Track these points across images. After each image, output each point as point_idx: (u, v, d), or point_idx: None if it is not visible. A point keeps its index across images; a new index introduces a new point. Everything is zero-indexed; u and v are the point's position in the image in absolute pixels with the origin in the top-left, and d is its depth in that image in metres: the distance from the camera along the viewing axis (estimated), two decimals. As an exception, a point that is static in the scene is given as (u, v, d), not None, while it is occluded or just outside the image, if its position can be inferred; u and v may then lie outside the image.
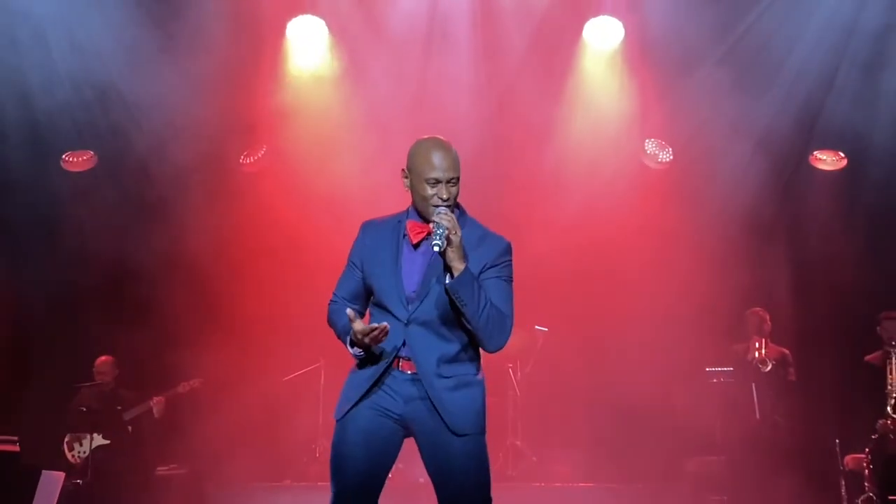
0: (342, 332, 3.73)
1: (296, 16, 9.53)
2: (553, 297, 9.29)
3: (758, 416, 8.43)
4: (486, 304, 3.58)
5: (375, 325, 3.52)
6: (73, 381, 8.87)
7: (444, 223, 3.52)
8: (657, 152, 10.07)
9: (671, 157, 10.03)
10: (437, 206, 3.62)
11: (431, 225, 3.57)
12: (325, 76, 9.76)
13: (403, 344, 3.64)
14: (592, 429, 9.15)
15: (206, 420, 9.23)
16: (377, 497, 3.70)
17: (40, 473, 6.79)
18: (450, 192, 3.66)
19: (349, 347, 3.68)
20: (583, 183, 9.61)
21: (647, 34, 9.42)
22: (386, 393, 3.66)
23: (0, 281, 9.85)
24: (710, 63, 9.30)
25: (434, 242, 3.51)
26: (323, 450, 9.05)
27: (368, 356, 3.69)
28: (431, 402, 3.60)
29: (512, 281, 3.74)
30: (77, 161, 10.01)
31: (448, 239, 3.51)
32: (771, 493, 8.43)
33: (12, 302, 9.85)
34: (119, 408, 8.63)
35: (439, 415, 3.59)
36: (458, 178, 3.71)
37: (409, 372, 3.65)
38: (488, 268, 3.68)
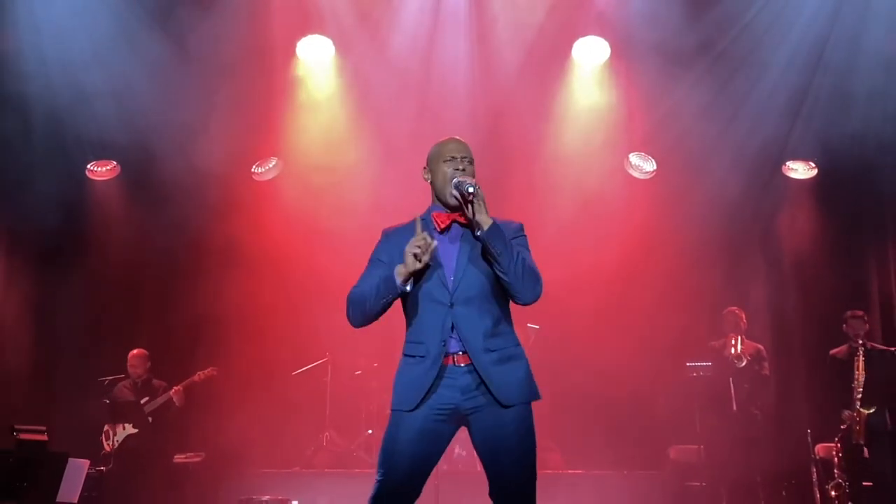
0: (381, 283, 3.66)
1: (305, 36, 9.56)
2: (544, 297, 9.29)
3: (734, 407, 8.42)
4: (518, 254, 3.65)
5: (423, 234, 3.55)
6: (97, 375, 8.86)
7: (468, 180, 3.65)
8: (641, 163, 10.09)
9: (654, 168, 10.04)
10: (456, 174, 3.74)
11: (452, 185, 3.68)
12: (332, 91, 9.80)
13: (452, 328, 3.65)
14: (581, 420, 9.16)
15: (222, 412, 9.25)
16: (422, 487, 3.69)
17: (67, 461, 6.81)
18: (464, 166, 3.77)
19: (398, 283, 3.62)
20: (572, 190, 9.63)
21: (631, 53, 9.46)
22: (444, 391, 3.65)
23: (29, 281, 9.89)
24: (690, 80, 9.33)
25: (467, 185, 3.61)
26: (329, 440, 9.07)
27: (418, 346, 3.68)
28: (482, 380, 3.61)
29: (529, 249, 3.81)
30: (101, 171, 10.04)
31: (463, 193, 3.63)
32: (747, 480, 8.45)
33: (40, 302, 9.88)
34: (142, 401, 8.62)
35: (489, 390, 3.60)
36: (469, 159, 3.83)
37: (463, 365, 3.65)
38: (510, 239, 3.73)
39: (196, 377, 8.83)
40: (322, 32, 9.53)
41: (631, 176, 10.07)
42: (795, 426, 8.75)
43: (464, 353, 3.65)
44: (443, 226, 3.78)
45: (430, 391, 3.64)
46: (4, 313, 9.78)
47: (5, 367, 9.55)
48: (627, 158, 10.05)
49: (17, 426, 6.61)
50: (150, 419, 8.63)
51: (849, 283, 9.79)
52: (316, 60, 9.71)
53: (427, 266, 3.61)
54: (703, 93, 9.36)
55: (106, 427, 8.54)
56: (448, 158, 3.80)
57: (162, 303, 9.81)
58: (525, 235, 3.84)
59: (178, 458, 8.70)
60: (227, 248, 9.47)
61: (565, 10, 9.35)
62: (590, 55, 9.66)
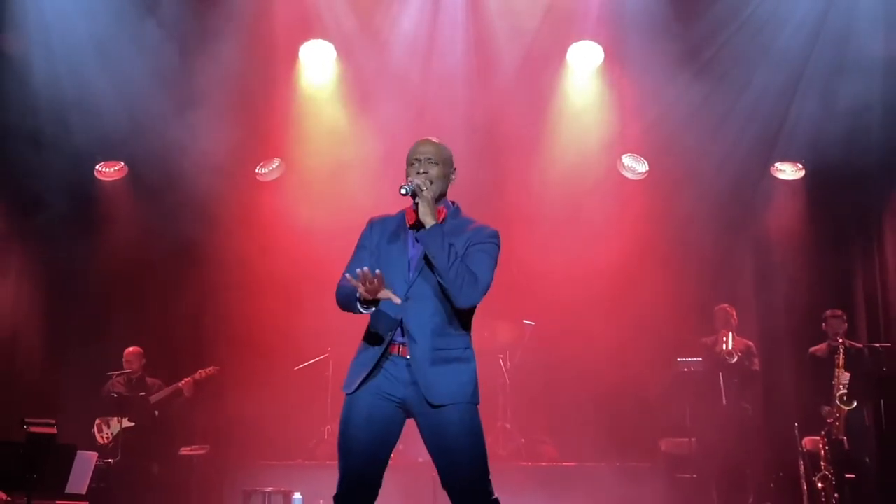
0: (351, 297, 3.66)
1: (307, 40, 9.56)
2: (539, 295, 9.30)
3: (724, 402, 8.43)
4: (454, 260, 3.60)
5: (367, 269, 3.50)
6: (104, 369, 8.87)
7: (416, 180, 3.66)
8: (634, 164, 10.09)
9: (647, 169, 10.04)
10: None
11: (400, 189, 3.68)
12: (334, 94, 9.80)
13: (401, 322, 3.65)
14: (575, 413, 9.17)
15: (226, 406, 9.25)
16: (381, 475, 3.69)
17: (76, 453, 6.80)
18: (426, 168, 3.74)
19: (360, 307, 3.63)
20: (566, 191, 9.62)
21: (624, 58, 9.47)
22: (387, 378, 3.66)
23: (39, 280, 9.89)
24: (681, 84, 9.33)
25: (401, 186, 3.64)
26: (331, 432, 9.06)
27: (372, 335, 3.70)
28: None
29: (493, 257, 3.73)
30: (109, 171, 10.04)
31: (414, 192, 3.63)
32: (736, 472, 8.46)
33: (50, 299, 9.88)
34: (143, 393, 8.63)
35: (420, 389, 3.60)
36: (435, 160, 3.78)
37: (406, 357, 3.65)
38: (474, 244, 3.72)
39: (198, 375, 8.83)
40: (324, 37, 9.53)
41: (624, 176, 10.06)
42: (783, 420, 8.76)
43: (405, 344, 3.65)
44: (411, 222, 3.77)
45: (371, 375, 3.65)
46: (16, 311, 9.79)
47: (17, 362, 9.56)
48: (620, 160, 10.04)
49: (27, 419, 6.61)
50: (156, 412, 8.64)
51: (835, 281, 9.81)
52: (318, 64, 9.71)
53: (377, 301, 3.58)
54: (694, 96, 9.37)
55: (98, 420, 8.54)
56: (412, 161, 3.79)
57: (167, 300, 9.81)
58: (492, 243, 3.75)
59: (184, 451, 8.70)
60: (230, 247, 9.46)
61: (560, 16, 9.36)
62: (584, 59, 9.65)
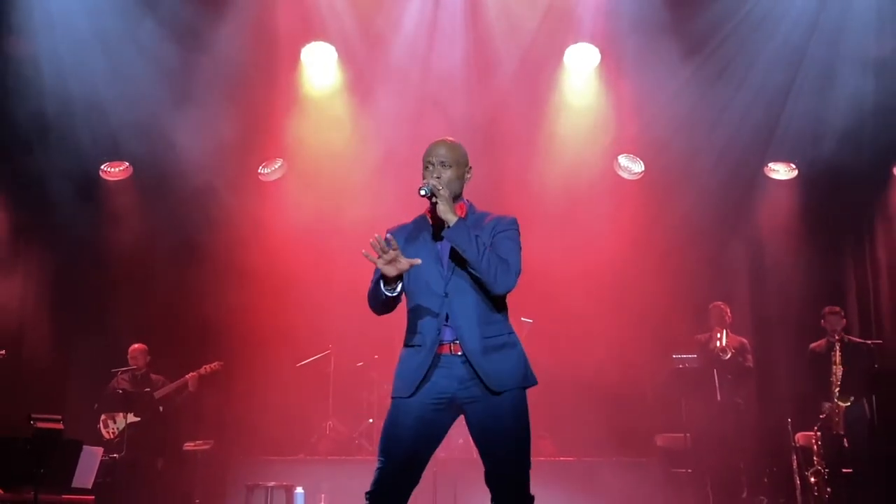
0: (374, 286, 3.69)
1: (309, 42, 9.56)
2: (538, 292, 9.29)
3: (719, 397, 8.44)
4: (484, 250, 3.62)
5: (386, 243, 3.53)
6: (109, 366, 8.87)
7: (431, 182, 3.66)
8: (630, 165, 10.09)
9: (643, 169, 10.05)
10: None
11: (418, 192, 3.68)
12: (335, 95, 9.79)
13: (447, 318, 3.65)
14: (573, 409, 9.15)
15: (230, 402, 9.26)
16: (418, 479, 3.67)
17: (82, 448, 6.80)
18: (440, 172, 3.75)
19: (384, 289, 3.64)
20: (564, 191, 9.62)
21: (621, 60, 9.47)
22: (441, 380, 3.64)
23: (45, 278, 9.89)
24: (676, 86, 9.33)
25: (420, 188, 3.64)
26: (332, 428, 9.07)
27: (416, 336, 3.69)
28: (474, 370, 3.59)
29: (517, 242, 3.77)
30: (114, 171, 10.03)
31: (433, 192, 3.63)
32: (730, 466, 8.47)
33: (56, 297, 9.88)
34: (147, 389, 8.63)
35: (479, 378, 3.59)
36: (449, 163, 3.78)
37: (459, 354, 3.64)
38: (498, 232, 3.74)
39: (203, 369, 8.84)
40: (325, 39, 9.53)
41: (620, 177, 10.07)
42: (776, 415, 8.76)
43: (456, 342, 3.64)
44: (433, 222, 3.78)
45: (426, 379, 3.63)
46: (24, 309, 9.79)
47: (25, 360, 9.56)
48: (617, 160, 10.05)
49: (34, 415, 6.60)
50: (160, 408, 8.64)
51: (827, 279, 9.83)
52: (319, 66, 9.71)
53: (400, 274, 3.60)
54: (688, 98, 9.37)
55: (104, 416, 8.54)
56: (426, 165, 3.80)
57: (172, 297, 9.80)
58: (514, 229, 3.79)
59: (188, 446, 8.71)
60: (234, 246, 9.47)
61: (557, 18, 9.36)
62: (581, 61, 9.66)
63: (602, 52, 9.54)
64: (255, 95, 9.40)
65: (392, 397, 3.71)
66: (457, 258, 3.67)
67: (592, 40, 9.48)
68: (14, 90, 8.93)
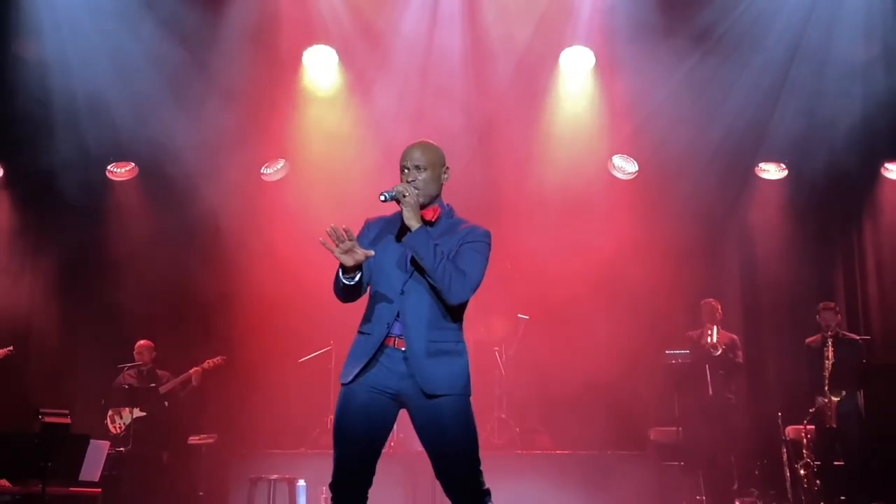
0: (337, 273, 3.68)
1: (310, 45, 9.56)
2: (534, 290, 9.31)
3: (710, 392, 8.44)
4: (441, 260, 3.59)
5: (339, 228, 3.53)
6: (115, 362, 8.87)
7: (399, 187, 3.66)
8: (624, 165, 10.09)
9: (636, 169, 10.05)
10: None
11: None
12: (336, 98, 9.80)
13: (397, 316, 3.64)
14: (568, 403, 9.16)
15: (233, 397, 9.25)
16: (374, 465, 3.66)
17: (89, 442, 6.81)
18: (415, 175, 3.75)
19: (342, 277, 3.64)
20: (559, 191, 9.61)
21: (614, 62, 9.47)
22: (382, 370, 3.64)
23: (53, 276, 9.89)
24: (669, 87, 9.34)
25: (381, 193, 3.63)
26: (333, 422, 9.06)
27: (369, 325, 3.69)
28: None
29: (483, 254, 3.71)
30: (120, 172, 10.03)
31: (396, 199, 3.62)
32: (721, 460, 8.48)
33: (63, 295, 9.88)
34: (153, 385, 8.64)
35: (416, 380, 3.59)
36: (424, 166, 3.76)
37: (402, 349, 3.64)
38: (465, 243, 3.70)
39: (206, 364, 8.85)
40: (327, 43, 9.54)
41: (614, 177, 10.07)
42: (767, 410, 8.78)
43: (402, 337, 3.64)
44: (403, 222, 3.74)
45: (368, 367, 3.64)
46: (32, 307, 9.79)
47: (32, 356, 9.57)
48: (611, 160, 10.05)
49: (42, 410, 6.61)
50: (166, 403, 8.64)
51: (817, 277, 9.84)
52: (321, 68, 9.71)
53: (358, 264, 3.59)
54: (681, 100, 9.38)
55: (110, 411, 8.55)
56: (402, 169, 3.80)
57: (176, 295, 9.80)
58: (483, 242, 3.72)
59: (193, 440, 8.71)
60: (237, 244, 9.47)
61: (553, 23, 9.37)
62: (576, 64, 9.67)
63: (596, 55, 9.55)
64: (258, 98, 9.40)
65: (340, 383, 3.72)
66: (415, 264, 3.66)
67: (587, 43, 9.48)
68: (23, 91, 8.94)
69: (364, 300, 3.82)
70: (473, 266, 3.67)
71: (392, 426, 3.72)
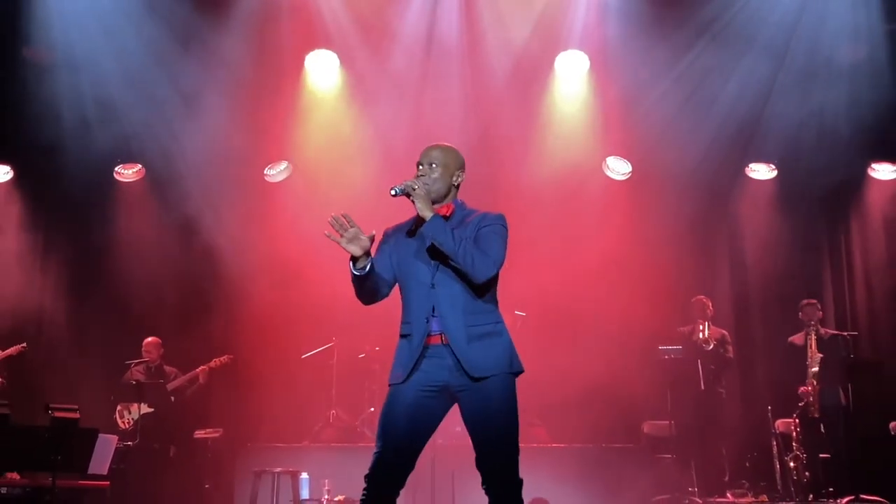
0: (351, 271, 3.70)
1: (312, 50, 9.57)
2: (530, 286, 9.31)
3: (702, 387, 8.46)
4: (461, 242, 3.61)
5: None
6: (124, 358, 8.88)
7: (408, 181, 3.68)
8: (618, 166, 10.10)
9: (630, 170, 10.06)
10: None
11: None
12: (337, 101, 9.81)
13: (433, 310, 3.66)
14: (563, 397, 9.16)
15: (239, 392, 9.27)
16: (413, 463, 3.66)
17: (97, 436, 6.82)
18: (427, 172, 3.79)
19: (353, 268, 3.66)
20: (555, 191, 9.63)
21: (608, 66, 9.48)
22: (431, 367, 3.64)
23: (63, 274, 9.91)
24: (661, 90, 9.35)
25: (391, 188, 3.67)
26: (335, 416, 9.08)
27: (408, 326, 3.70)
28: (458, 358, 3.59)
29: (501, 234, 3.74)
30: (128, 173, 10.04)
31: (406, 192, 3.65)
32: (713, 452, 8.50)
33: (73, 293, 9.89)
34: (160, 381, 8.65)
35: (462, 367, 3.59)
36: (437, 164, 3.81)
37: (445, 343, 3.64)
38: (483, 227, 3.73)
39: (214, 363, 8.86)
40: (328, 47, 9.55)
41: (608, 177, 10.08)
42: (757, 403, 8.79)
43: (441, 333, 3.64)
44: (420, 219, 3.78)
45: (416, 368, 3.64)
46: (42, 305, 9.81)
47: (43, 353, 9.57)
48: (605, 161, 10.06)
49: (51, 405, 6.61)
50: (172, 398, 8.65)
51: (805, 274, 9.85)
52: (322, 72, 9.72)
53: (367, 252, 3.62)
54: (673, 102, 9.39)
55: (119, 407, 8.56)
56: (417, 166, 3.85)
57: (182, 293, 9.81)
58: (500, 224, 3.77)
59: (199, 434, 8.72)
60: (240, 244, 9.48)
61: (548, 27, 9.38)
62: (571, 67, 9.67)
63: (591, 59, 9.56)
64: (261, 100, 9.42)
65: (389, 384, 3.72)
66: (438, 252, 3.66)
67: (581, 47, 9.49)
68: (33, 95, 8.96)
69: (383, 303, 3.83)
70: (492, 245, 3.69)
71: (438, 423, 3.71)
